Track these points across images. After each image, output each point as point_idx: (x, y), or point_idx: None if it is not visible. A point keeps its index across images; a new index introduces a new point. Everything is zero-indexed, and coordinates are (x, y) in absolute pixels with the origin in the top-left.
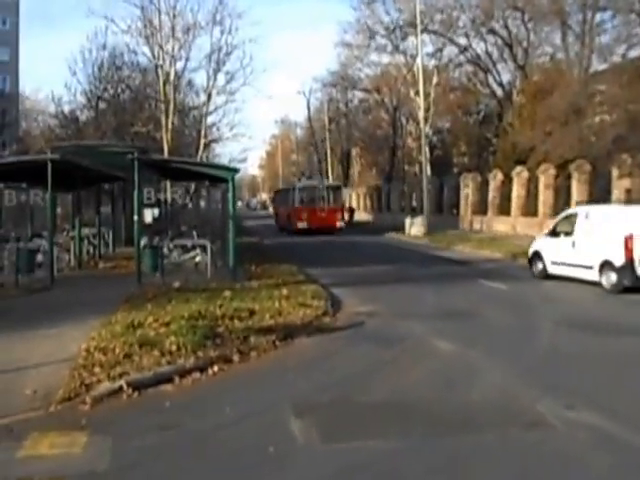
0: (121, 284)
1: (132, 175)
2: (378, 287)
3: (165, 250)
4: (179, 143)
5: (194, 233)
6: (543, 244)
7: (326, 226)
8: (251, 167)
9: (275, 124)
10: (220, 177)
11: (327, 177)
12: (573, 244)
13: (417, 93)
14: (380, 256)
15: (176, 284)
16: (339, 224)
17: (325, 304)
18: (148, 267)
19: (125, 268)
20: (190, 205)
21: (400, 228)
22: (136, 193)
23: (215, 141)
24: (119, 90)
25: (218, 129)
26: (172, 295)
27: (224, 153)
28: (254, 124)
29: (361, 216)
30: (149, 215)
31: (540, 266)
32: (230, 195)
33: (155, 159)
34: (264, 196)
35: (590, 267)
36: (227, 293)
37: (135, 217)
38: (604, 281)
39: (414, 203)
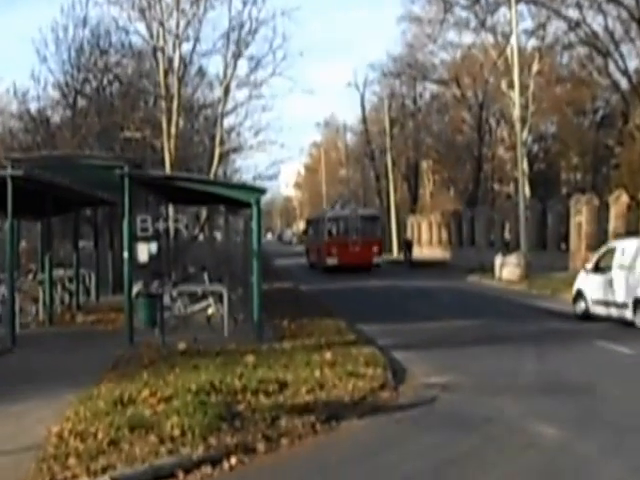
0: (106, 345)
1: (122, 197)
2: (456, 350)
3: (167, 299)
4: (186, 154)
5: (206, 276)
6: (585, 281)
7: (359, 263)
8: (284, 187)
9: (317, 128)
10: (241, 200)
11: (387, 200)
12: (610, 281)
13: (511, 85)
14: (459, 307)
15: (181, 345)
16: (375, 260)
17: (384, 373)
18: (143, 322)
19: (112, 323)
20: (201, 238)
21: (488, 269)
22: (127, 222)
23: (235, 151)
24: (105, 82)
25: (239, 135)
26: (175, 360)
27: (247, 167)
28: (288, 128)
29: (433, 252)
30: (145, 252)
31: (582, 305)
32: (255, 225)
33: (153, 176)
34: (302, 226)
35: (624, 305)
36: (250, 358)
37: (125, 254)
38: (637, 320)
39: (507, 235)
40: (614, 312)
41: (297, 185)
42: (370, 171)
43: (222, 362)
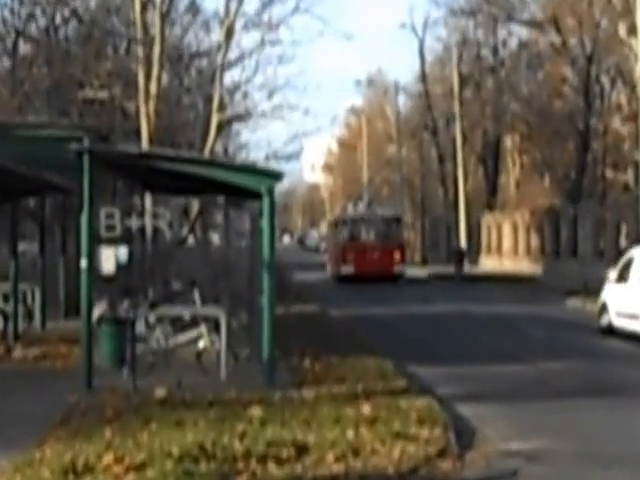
0: (55, 390)
1: (79, 183)
2: (549, 403)
3: (141, 326)
4: (171, 122)
5: (196, 295)
6: (609, 292)
7: (379, 272)
8: (309, 170)
9: (357, 88)
10: (248, 189)
11: (454, 190)
12: (632, 292)
13: (632, 31)
14: (553, 344)
15: (160, 392)
16: (397, 269)
17: (444, 435)
18: (107, 358)
19: (63, 360)
20: (191, 241)
21: (594, 290)
22: (86, 217)
23: (240, 119)
24: (57, 20)
25: (246, 96)
26: (152, 412)
27: (257, 142)
28: (315, 88)
29: (518, 265)
30: (111, 259)
31: (606, 319)
32: (266, 224)
33: (124, 152)
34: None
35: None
36: (256, 411)
37: (83, 263)
38: None
39: (623, 242)
40: (632, 325)
41: (327, 168)
42: (431, 149)
43: (217, 416)
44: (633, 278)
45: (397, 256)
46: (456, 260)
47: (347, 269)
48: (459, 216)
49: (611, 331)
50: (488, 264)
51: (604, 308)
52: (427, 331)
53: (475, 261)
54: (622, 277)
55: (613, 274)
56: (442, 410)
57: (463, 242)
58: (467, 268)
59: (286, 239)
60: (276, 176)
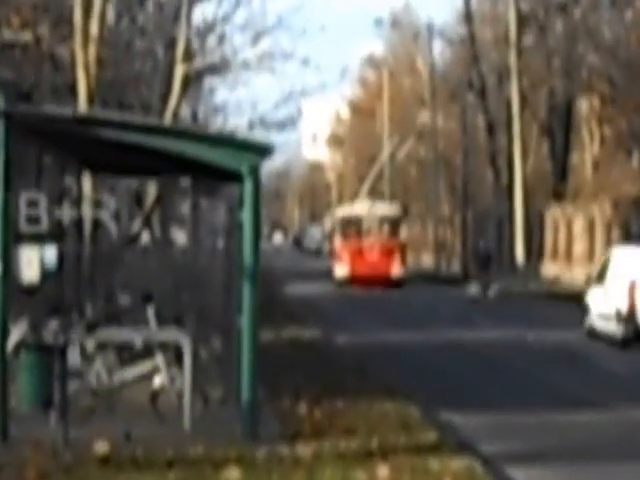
0: None
1: None
2: (637, 467)
3: (74, 356)
4: (119, 75)
5: (151, 314)
6: (591, 295)
7: (376, 274)
8: (310, 143)
9: (376, 30)
10: (223, 169)
11: (508, 173)
12: (605, 293)
13: None
14: None
15: (101, 446)
16: (395, 272)
17: None
18: (28, 399)
19: None
20: (145, 240)
21: None
22: None
23: (215, 71)
24: None
25: (222, 40)
26: (89, 474)
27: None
28: (319, 29)
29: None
30: (34, 263)
31: (588, 322)
32: (248, 216)
33: (53, 116)
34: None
35: (609, 318)
36: (232, 473)
37: None
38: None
39: None
40: (604, 326)
41: (334, 141)
42: (477, 117)
43: None
44: (609, 279)
45: (395, 257)
46: (480, 265)
47: (342, 271)
48: (515, 209)
49: (593, 335)
50: (553, 273)
51: (586, 311)
52: (467, 365)
53: (536, 270)
54: (601, 278)
55: (594, 275)
56: (487, 475)
57: (519, 245)
58: (524, 280)
59: (277, 238)
60: (262, 150)
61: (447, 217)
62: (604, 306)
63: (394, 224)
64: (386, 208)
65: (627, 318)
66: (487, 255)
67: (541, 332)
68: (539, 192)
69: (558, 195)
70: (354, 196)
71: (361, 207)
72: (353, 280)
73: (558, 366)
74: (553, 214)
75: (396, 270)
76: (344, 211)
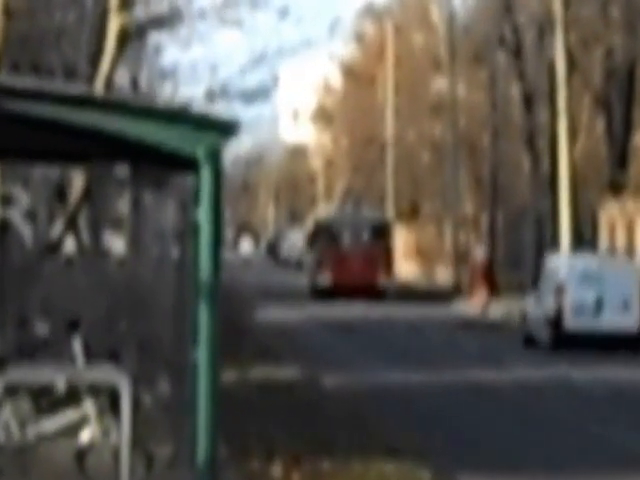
0: None
1: None
2: None
3: None
4: (34, 29)
5: (77, 346)
6: (527, 300)
7: (360, 284)
8: (289, 120)
9: None
10: (173, 153)
11: (550, 155)
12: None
13: None
14: None
15: None
16: (381, 281)
17: None
18: None
19: None
20: (70, 247)
21: None
22: None
23: (160, 25)
24: None
25: None
26: None
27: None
28: None
29: None
30: None
31: (525, 329)
32: (205, 215)
33: None
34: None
35: (540, 323)
36: None
37: None
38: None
39: None
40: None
41: (322, 116)
42: (510, 84)
43: None
44: (541, 286)
45: (381, 265)
46: (485, 277)
47: (324, 279)
48: (559, 206)
49: (531, 341)
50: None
51: (523, 318)
52: (496, 417)
53: None
54: (536, 285)
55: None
56: None
57: (566, 252)
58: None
59: (246, 245)
60: (225, 129)
61: (470, 218)
62: (537, 311)
63: (380, 232)
64: (373, 214)
65: (554, 322)
66: (489, 265)
67: (594, 371)
68: (592, 184)
69: (616, 187)
70: (348, 189)
71: (342, 212)
72: (336, 290)
73: (621, 417)
74: (610, 212)
75: (381, 279)
76: (320, 216)
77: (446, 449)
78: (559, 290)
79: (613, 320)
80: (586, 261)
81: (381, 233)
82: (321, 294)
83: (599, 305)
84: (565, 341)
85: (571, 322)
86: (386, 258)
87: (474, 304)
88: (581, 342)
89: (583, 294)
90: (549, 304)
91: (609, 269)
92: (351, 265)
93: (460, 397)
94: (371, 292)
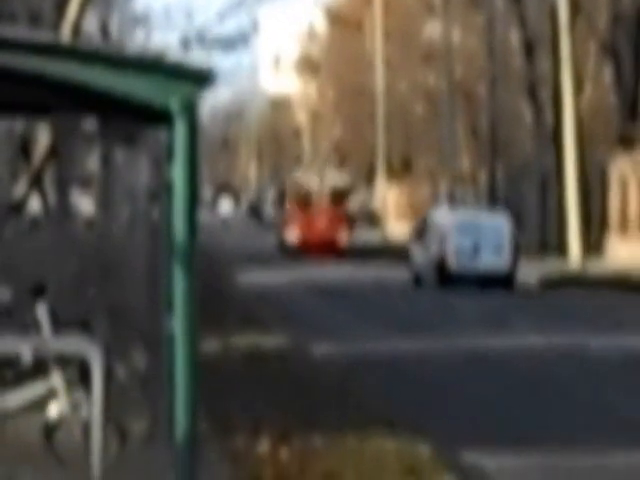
0: None
1: None
2: None
3: None
4: None
5: (43, 313)
6: (413, 247)
7: (325, 242)
8: (270, 69)
9: None
10: (144, 105)
11: (554, 110)
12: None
13: None
14: None
15: None
16: (342, 240)
17: None
18: None
19: None
20: (36, 207)
21: None
22: None
23: None
24: None
25: None
26: None
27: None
28: None
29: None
30: None
31: (413, 270)
32: (180, 173)
33: None
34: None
35: (427, 266)
36: None
37: None
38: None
39: None
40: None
41: (306, 65)
42: (509, 30)
43: None
44: (426, 235)
45: (344, 228)
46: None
47: (292, 238)
48: (565, 161)
49: (419, 281)
50: (623, 253)
51: (411, 261)
52: (500, 386)
53: (598, 248)
54: (420, 235)
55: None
56: None
57: (573, 212)
58: (579, 261)
59: (225, 206)
60: (201, 78)
61: (468, 174)
62: (424, 256)
63: (342, 195)
64: (336, 178)
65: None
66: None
67: (608, 338)
68: (599, 137)
69: (627, 141)
70: (337, 145)
71: (311, 179)
72: (303, 244)
73: (635, 389)
74: (620, 168)
75: (342, 238)
76: (294, 179)
77: (449, 425)
78: (442, 238)
79: (487, 262)
80: (465, 214)
81: (342, 199)
82: (290, 255)
83: (476, 250)
84: (448, 280)
85: (453, 265)
86: (348, 220)
87: None
88: (462, 281)
89: (462, 241)
90: (434, 250)
91: (484, 220)
92: (317, 226)
93: (464, 366)
94: (333, 249)
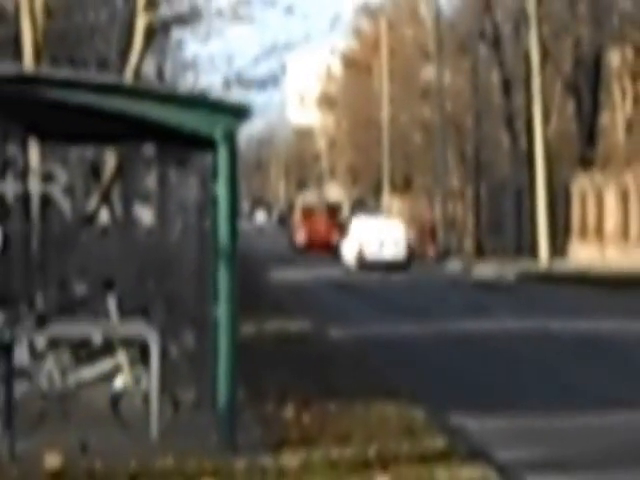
0: None
1: None
2: None
3: (22, 355)
4: (71, 26)
5: (112, 304)
6: (345, 244)
7: (322, 242)
8: (297, 105)
9: None
10: (194, 134)
11: (527, 137)
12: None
13: None
14: None
15: (52, 459)
16: (333, 240)
17: None
18: None
19: None
20: (104, 219)
21: None
22: None
23: (182, 22)
24: None
25: None
26: None
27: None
28: None
29: (629, 256)
30: None
31: (345, 264)
32: (223, 189)
33: None
34: (333, 192)
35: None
36: None
37: None
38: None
39: None
40: None
41: (325, 102)
42: (491, 72)
43: None
44: (351, 236)
45: (335, 231)
46: (431, 235)
47: (300, 238)
48: (536, 179)
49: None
50: (582, 255)
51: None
52: (482, 361)
53: (562, 251)
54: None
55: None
56: None
57: (542, 221)
58: (547, 262)
59: (260, 216)
60: (240, 112)
61: (457, 190)
62: (350, 250)
63: (336, 208)
64: (331, 195)
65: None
66: (432, 228)
67: (568, 322)
68: (564, 159)
69: (586, 162)
70: (350, 167)
71: (313, 197)
72: (307, 245)
73: (588, 360)
74: (580, 184)
75: (335, 240)
76: (302, 198)
77: (441, 393)
78: (360, 238)
79: (390, 253)
80: (375, 221)
81: (335, 211)
82: (298, 249)
83: (382, 245)
84: (365, 265)
85: (367, 255)
86: (338, 226)
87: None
88: (373, 266)
89: (373, 239)
90: (356, 246)
91: (387, 225)
92: (318, 230)
93: (452, 346)
94: (328, 248)
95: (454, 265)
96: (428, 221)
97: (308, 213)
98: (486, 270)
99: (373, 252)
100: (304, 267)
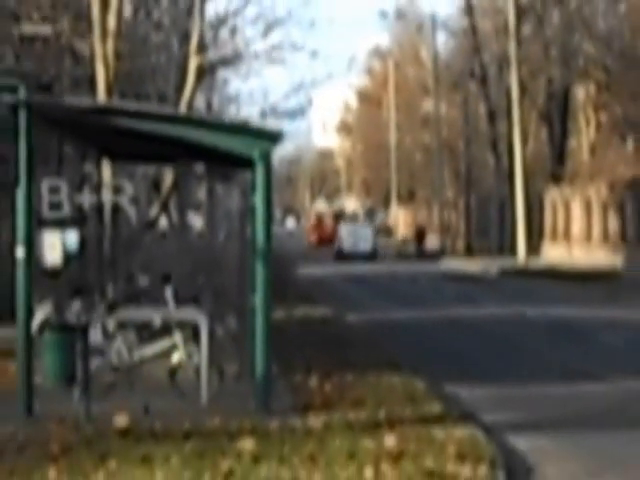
0: None
1: (14, 146)
2: (632, 434)
3: (96, 335)
4: (136, 67)
5: (169, 294)
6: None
7: (328, 240)
8: (320, 132)
9: (382, 23)
10: (236, 155)
11: (508, 158)
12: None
13: None
14: (638, 357)
15: (121, 420)
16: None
17: (491, 474)
18: (52, 376)
19: None
20: (163, 224)
21: None
22: (22, 192)
23: (227, 63)
24: None
25: (234, 32)
26: (110, 446)
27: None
28: (327, 22)
29: (592, 255)
30: (57, 247)
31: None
32: (260, 200)
33: (74, 107)
34: (351, 204)
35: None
36: (247, 444)
37: (19, 252)
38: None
39: None
40: None
41: (343, 128)
42: (479, 105)
43: (195, 450)
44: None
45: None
46: (416, 238)
47: (312, 238)
48: (515, 191)
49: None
50: (553, 254)
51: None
52: (471, 341)
53: (536, 250)
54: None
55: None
56: (489, 442)
57: (520, 226)
58: (524, 259)
59: (290, 223)
60: (273, 137)
61: (451, 201)
62: (336, 245)
63: (339, 215)
64: (337, 206)
65: (338, 249)
66: (422, 230)
67: (541, 309)
68: (538, 175)
69: (556, 178)
70: (363, 182)
71: (323, 206)
72: (317, 242)
73: (558, 340)
74: (552, 196)
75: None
76: (315, 206)
77: (438, 366)
78: (340, 237)
79: (361, 247)
80: (352, 225)
81: (339, 217)
82: (311, 246)
83: (356, 242)
84: (342, 256)
85: (345, 249)
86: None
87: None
88: (349, 257)
89: (349, 237)
90: (338, 243)
91: (360, 227)
92: (325, 232)
93: (446, 328)
94: (331, 243)
95: (448, 262)
96: (419, 225)
97: (319, 218)
98: (474, 266)
99: (348, 247)
100: (318, 262)
